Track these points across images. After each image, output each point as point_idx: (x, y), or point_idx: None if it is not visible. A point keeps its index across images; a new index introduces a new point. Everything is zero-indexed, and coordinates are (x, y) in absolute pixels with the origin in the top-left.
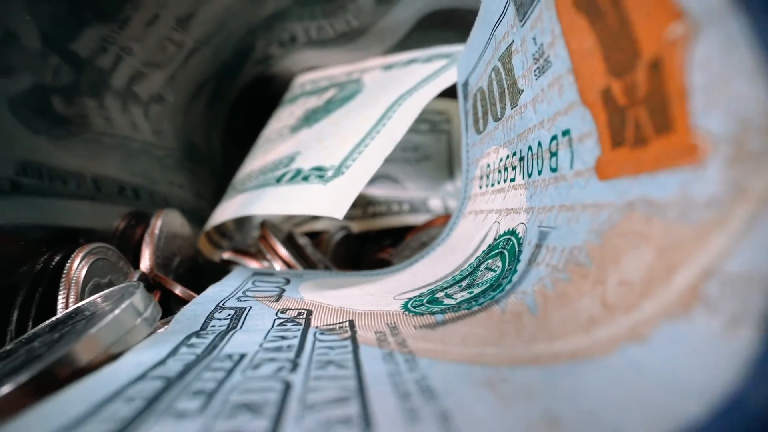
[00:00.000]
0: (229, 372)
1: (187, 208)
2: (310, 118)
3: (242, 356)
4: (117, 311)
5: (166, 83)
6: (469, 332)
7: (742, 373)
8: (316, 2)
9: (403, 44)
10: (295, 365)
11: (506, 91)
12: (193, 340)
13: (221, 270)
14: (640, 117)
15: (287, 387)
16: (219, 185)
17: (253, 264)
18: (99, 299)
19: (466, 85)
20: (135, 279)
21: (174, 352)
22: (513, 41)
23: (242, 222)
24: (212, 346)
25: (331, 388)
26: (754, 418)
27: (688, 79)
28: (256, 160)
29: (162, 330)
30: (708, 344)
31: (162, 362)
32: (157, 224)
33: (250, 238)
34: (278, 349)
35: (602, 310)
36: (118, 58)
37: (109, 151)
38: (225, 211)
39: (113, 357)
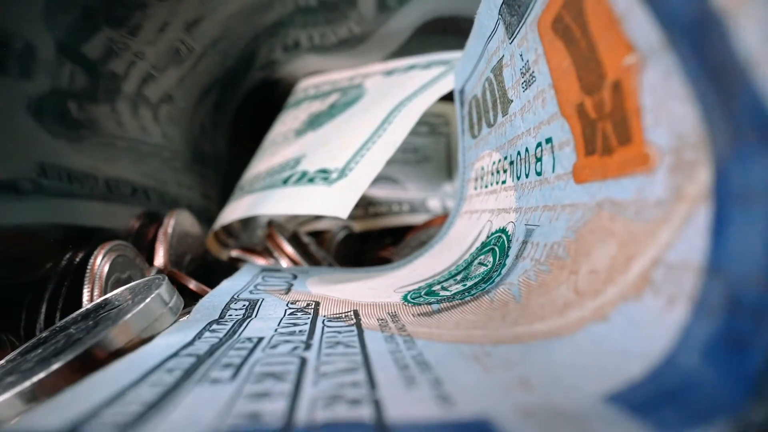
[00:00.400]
0: (251, 351)
1: (194, 208)
2: (315, 122)
3: (260, 339)
4: (147, 300)
5: (175, 88)
6: (461, 318)
7: (675, 340)
8: (318, 10)
9: (404, 50)
10: (308, 345)
11: (498, 101)
12: (214, 326)
13: (229, 267)
14: (606, 129)
15: (303, 361)
16: (224, 186)
17: (261, 261)
18: (125, 292)
19: (462, 92)
20: (152, 274)
21: (199, 335)
22: (503, 56)
23: (248, 222)
24: (232, 331)
25: (341, 361)
26: (682, 375)
27: (640, 100)
28: (263, 162)
29: (184, 319)
30: (651, 320)
31: (190, 343)
32: (170, 223)
33: (255, 237)
34: (291, 333)
35: (574, 296)
36: (130, 63)
37: (121, 153)
38: (234, 212)
39: (144, 341)
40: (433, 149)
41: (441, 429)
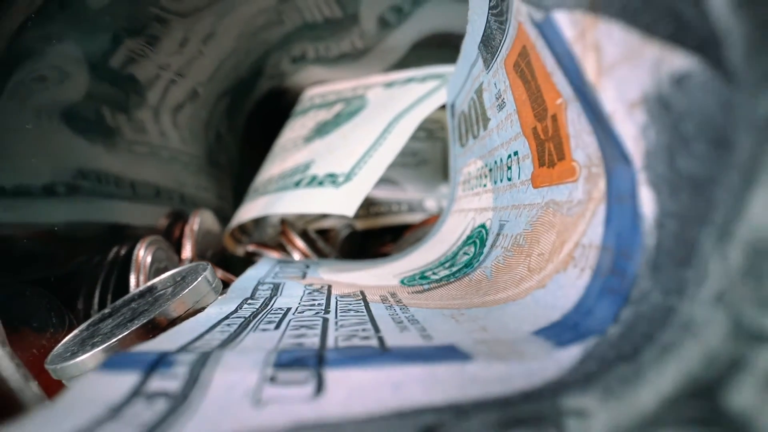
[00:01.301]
0: (284, 314)
1: (211, 208)
2: (322, 130)
3: (288, 308)
4: (197, 281)
5: (193, 96)
6: (445, 293)
7: (580, 295)
8: (324, 26)
9: (403, 62)
10: (326, 311)
11: (480, 117)
12: (249, 301)
13: (244, 261)
14: (550, 148)
15: (325, 320)
16: (237, 188)
17: (275, 255)
18: (168, 278)
19: (453, 106)
20: (186, 264)
21: (239, 307)
22: (483, 81)
23: (259, 221)
24: (264, 304)
25: (353, 319)
26: (581, 315)
27: (567, 130)
28: (275, 166)
29: (221, 297)
30: (570, 284)
31: (235, 311)
32: (195, 221)
33: (265, 234)
34: (312, 305)
35: (527, 273)
36: (156, 75)
37: (145, 158)
38: (250, 211)
39: (196, 312)
40: (430, 153)
41: (422, 350)
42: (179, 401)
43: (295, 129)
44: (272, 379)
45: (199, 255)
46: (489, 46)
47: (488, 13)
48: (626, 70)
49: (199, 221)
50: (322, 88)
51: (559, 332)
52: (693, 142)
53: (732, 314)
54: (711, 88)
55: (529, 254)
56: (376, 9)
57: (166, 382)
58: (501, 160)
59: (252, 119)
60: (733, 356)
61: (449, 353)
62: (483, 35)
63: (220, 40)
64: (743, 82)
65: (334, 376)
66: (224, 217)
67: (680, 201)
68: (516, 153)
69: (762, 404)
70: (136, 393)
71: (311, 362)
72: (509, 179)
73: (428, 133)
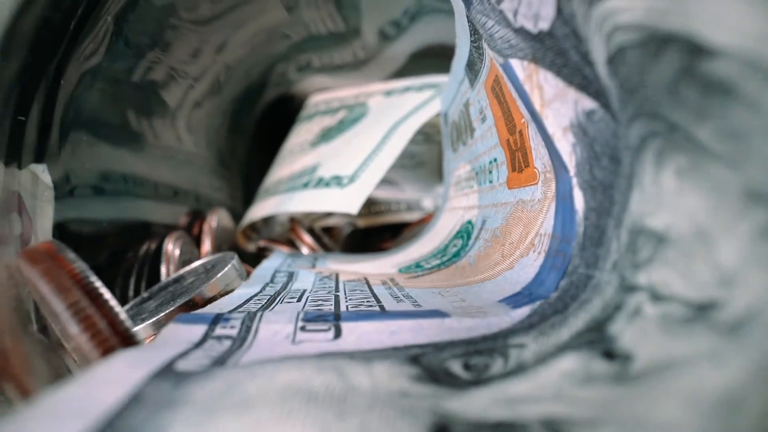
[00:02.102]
0: (302, 294)
1: (224, 207)
2: (327, 135)
3: (305, 290)
4: (227, 268)
5: (206, 102)
6: (435, 277)
7: (536, 272)
8: (328, 38)
9: (402, 71)
10: (336, 291)
11: (468, 127)
12: (270, 285)
13: (255, 257)
14: (519, 157)
15: (336, 296)
16: (246, 189)
17: (284, 249)
18: (199, 267)
19: (446, 115)
20: (209, 257)
21: (263, 289)
22: (469, 97)
23: (268, 219)
24: (283, 287)
25: (359, 295)
26: (536, 285)
27: (530, 143)
28: (284, 169)
29: (245, 282)
30: (530, 264)
31: (260, 291)
32: (213, 219)
33: (273, 232)
34: (324, 287)
35: (501, 258)
36: (174, 82)
37: (163, 160)
38: (262, 209)
39: (226, 293)
40: (427, 156)
41: (413, 312)
42: (239, 342)
43: (301, 134)
44: (303, 328)
45: (216, 250)
46: (472, 69)
47: (470, 43)
48: (558, 105)
49: (217, 219)
50: (325, 95)
51: (517, 299)
52: (601, 158)
53: (619, 276)
54: (606, 122)
55: (503, 243)
56: (376, 23)
57: (226, 330)
58: (484, 165)
59: (260, 124)
60: (617, 303)
61: (433, 313)
62: (468, 60)
63: (232, 50)
64: (620, 120)
65: (347, 326)
66: (235, 216)
67: (596, 200)
68: (495, 159)
69: (628, 327)
70: (207, 336)
71: (330, 318)
72: (490, 182)
73: (426, 137)
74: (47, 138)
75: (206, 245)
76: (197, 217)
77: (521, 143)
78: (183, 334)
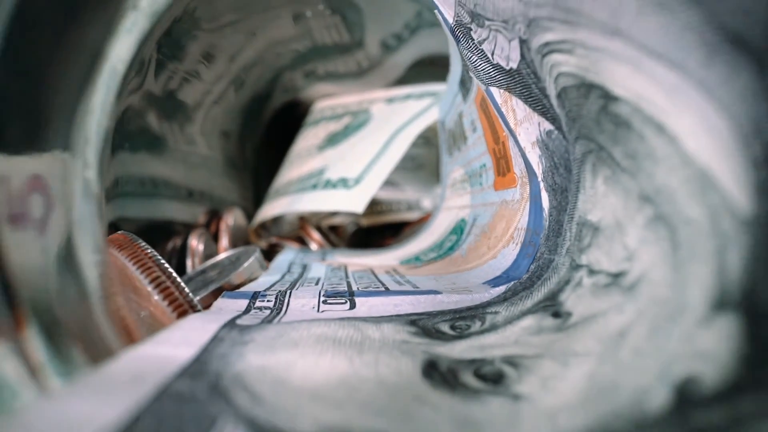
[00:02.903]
0: (318, 280)
1: (238, 207)
2: (333, 140)
3: (319, 277)
4: (252, 260)
5: (217, 107)
6: (432, 268)
7: (515, 259)
8: (333, 48)
9: (402, 79)
10: (347, 278)
11: (461, 135)
12: (287, 274)
13: (266, 253)
14: (502, 164)
15: (348, 282)
16: (256, 190)
17: (294, 245)
18: (226, 258)
19: (443, 123)
20: (229, 252)
21: (282, 276)
22: (462, 110)
23: (277, 219)
24: (300, 276)
25: (367, 281)
26: (513, 269)
27: (509, 152)
28: (293, 171)
29: (265, 272)
30: (510, 254)
31: (281, 278)
32: (230, 218)
33: (282, 230)
34: (335, 276)
35: (487, 250)
36: (189, 87)
37: (180, 163)
38: (273, 209)
39: (250, 281)
40: (426, 158)
41: (413, 291)
42: (275, 311)
43: (308, 138)
44: (324, 302)
45: (232, 246)
46: (464, 86)
47: (462, 64)
48: (527, 125)
49: (234, 217)
50: (330, 101)
51: (497, 281)
52: (559, 167)
53: (570, 258)
54: (560, 140)
55: (489, 237)
56: (379, 35)
57: (264, 303)
58: (475, 169)
59: (269, 128)
60: (567, 278)
61: (428, 291)
62: (460, 78)
63: (244, 58)
64: (569, 139)
65: (359, 300)
66: (247, 215)
67: (557, 200)
68: (484, 165)
69: (571, 295)
70: (250, 307)
71: (346, 294)
72: (480, 184)
73: (426, 140)
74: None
75: (224, 241)
76: (214, 216)
77: (504, 152)
78: (231, 305)
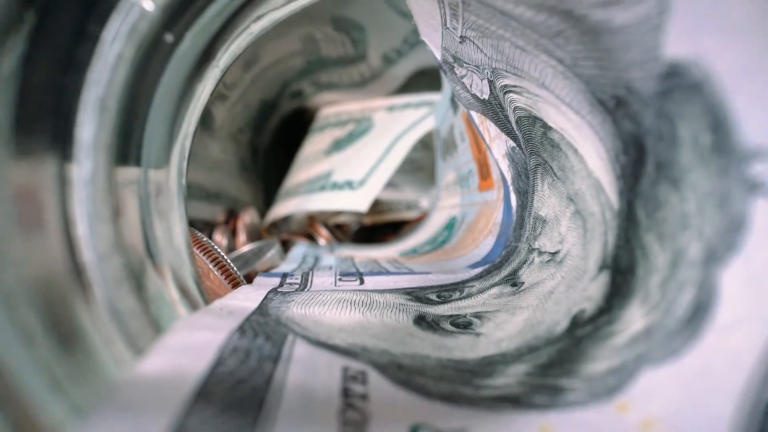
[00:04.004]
0: (330, 267)
1: (252, 206)
2: (338, 145)
3: (331, 265)
4: (274, 251)
5: (232, 114)
6: (426, 258)
7: (493, 246)
8: (338, 60)
9: (402, 88)
10: (355, 266)
11: (453, 144)
12: (303, 263)
13: None
14: (483, 170)
15: (356, 268)
16: (266, 191)
17: (304, 241)
18: (249, 251)
19: (438, 131)
20: (248, 247)
21: (300, 266)
22: (454, 122)
23: (286, 217)
24: (314, 265)
25: (371, 267)
26: (492, 254)
27: (489, 161)
28: (301, 174)
29: (284, 262)
30: (488, 243)
31: (299, 267)
32: (247, 216)
33: (290, 228)
34: (344, 264)
35: (472, 241)
36: (218, 99)
37: (199, 165)
38: (284, 208)
39: (271, 269)
40: (424, 161)
41: (409, 272)
42: (302, 286)
43: (315, 143)
44: (340, 279)
45: (249, 241)
46: (454, 102)
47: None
48: (498, 141)
49: (250, 216)
50: (334, 108)
51: (476, 265)
52: (521, 175)
53: (527, 244)
54: (520, 155)
55: (474, 231)
56: (380, 50)
57: (293, 280)
58: (464, 173)
59: (277, 133)
60: (524, 259)
61: (421, 272)
62: (451, 95)
63: (256, 69)
64: (526, 154)
65: (367, 278)
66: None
67: (521, 200)
68: (471, 170)
69: (525, 270)
70: (282, 283)
71: (356, 274)
72: (468, 186)
73: (423, 145)
74: None
75: (241, 237)
76: (231, 214)
77: (485, 160)
78: (268, 281)
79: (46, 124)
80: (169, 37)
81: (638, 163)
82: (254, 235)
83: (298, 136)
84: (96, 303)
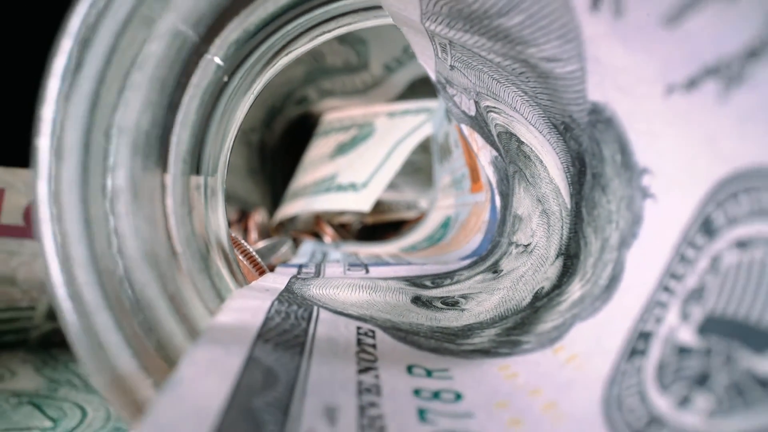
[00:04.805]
0: (338, 260)
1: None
2: (342, 149)
3: (338, 259)
4: (287, 247)
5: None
6: (424, 253)
7: (480, 243)
8: (341, 69)
9: (402, 95)
10: (359, 259)
11: (448, 149)
12: (313, 258)
13: None
14: (474, 174)
15: (362, 261)
16: (273, 192)
17: (310, 239)
18: (263, 247)
19: (435, 137)
20: (262, 244)
21: (309, 260)
22: (448, 130)
23: (292, 217)
24: (323, 259)
25: (373, 260)
26: (480, 249)
27: (479, 166)
28: (307, 176)
29: (295, 257)
30: (477, 238)
31: (309, 260)
32: (258, 216)
33: (296, 227)
34: (350, 258)
35: (464, 237)
36: None
37: None
38: (292, 208)
39: (284, 262)
40: (424, 163)
41: (407, 263)
42: (317, 274)
43: (319, 147)
44: (348, 269)
45: (261, 238)
46: (449, 114)
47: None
48: (484, 150)
49: (260, 216)
50: (338, 113)
51: (466, 257)
52: (503, 180)
53: (508, 239)
54: (502, 162)
55: (466, 228)
56: (382, 59)
57: (308, 270)
58: (458, 177)
59: (283, 137)
60: (505, 251)
61: (418, 264)
62: (445, 108)
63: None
64: (506, 162)
65: (372, 268)
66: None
67: (503, 201)
68: (464, 174)
69: (505, 260)
70: (299, 272)
71: (362, 265)
72: (462, 188)
73: (423, 148)
74: None
75: (253, 235)
76: (243, 214)
77: (475, 165)
78: (287, 271)
79: (162, 147)
80: (225, 78)
81: (581, 174)
82: (264, 233)
83: (303, 140)
84: (183, 273)
